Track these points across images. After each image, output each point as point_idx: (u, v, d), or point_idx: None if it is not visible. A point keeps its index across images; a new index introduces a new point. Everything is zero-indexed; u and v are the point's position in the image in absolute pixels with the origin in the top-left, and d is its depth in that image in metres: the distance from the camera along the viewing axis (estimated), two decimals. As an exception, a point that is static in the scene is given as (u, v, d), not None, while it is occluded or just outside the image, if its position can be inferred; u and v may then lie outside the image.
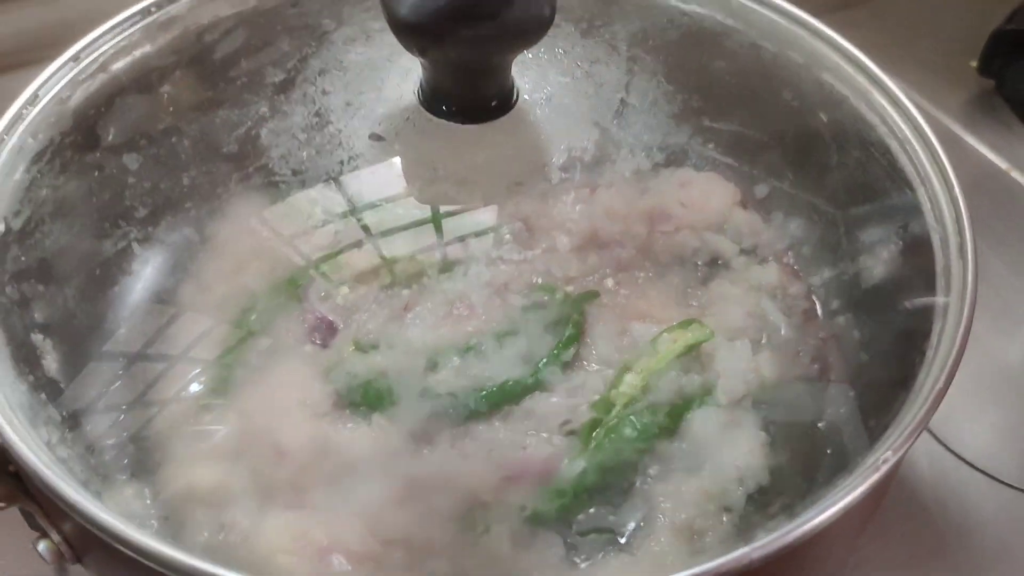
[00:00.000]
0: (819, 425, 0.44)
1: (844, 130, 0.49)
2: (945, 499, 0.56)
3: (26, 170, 0.44)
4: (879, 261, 0.47)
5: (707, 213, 0.49)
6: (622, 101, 0.50)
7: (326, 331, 0.45)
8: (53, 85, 0.47)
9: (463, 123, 0.43)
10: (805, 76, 0.51)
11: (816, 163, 0.50)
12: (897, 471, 0.41)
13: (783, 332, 0.46)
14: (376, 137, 0.47)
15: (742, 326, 0.46)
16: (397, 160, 0.47)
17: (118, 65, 0.48)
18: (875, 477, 0.36)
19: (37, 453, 0.35)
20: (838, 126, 0.49)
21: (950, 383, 0.39)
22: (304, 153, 0.47)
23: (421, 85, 0.43)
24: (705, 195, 0.49)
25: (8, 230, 0.42)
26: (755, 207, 0.49)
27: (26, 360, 0.40)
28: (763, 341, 0.46)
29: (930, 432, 0.58)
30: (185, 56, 0.49)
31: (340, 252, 0.46)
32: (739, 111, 0.51)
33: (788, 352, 0.46)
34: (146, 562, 0.33)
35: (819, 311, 0.47)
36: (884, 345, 0.45)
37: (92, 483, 0.38)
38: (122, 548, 0.33)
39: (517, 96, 0.44)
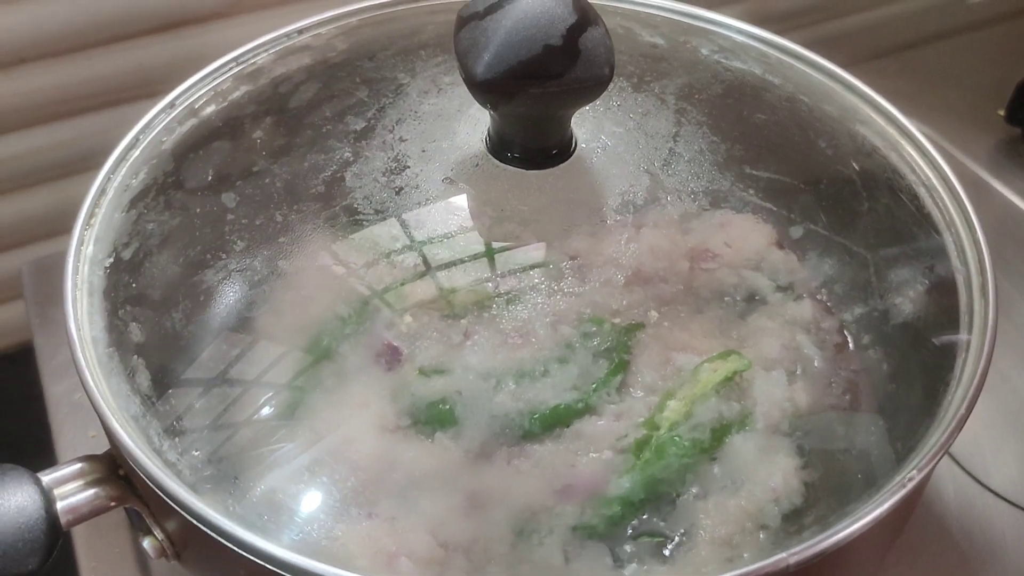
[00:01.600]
0: (850, 450, 0.46)
1: (875, 177, 0.52)
2: (970, 527, 0.58)
3: (131, 206, 0.48)
4: (907, 299, 0.49)
5: (746, 252, 0.51)
6: (670, 150, 0.52)
7: (392, 356, 0.47)
8: (151, 130, 0.51)
9: (527, 169, 0.46)
10: (839, 127, 0.54)
11: (848, 208, 0.52)
12: (923, 491, 0.44)
13: (816, 364, 0.48)
14: (449, 180, 0.49)
15: (778, 358, 0.48)
16: (466, 201, 0.50)
17: (209, 111, 0.52)
18: (901, 494, 0.39)
19: (150, 456, 0.39)
20: (869, 174, 0.52)
21: (971, 410, 0.42)
22: (383, 194, 0.49)
23: (489, 134, 0.46)
24: (744, 235, 0.51)
25: (119, 260, 0.46)
26: (791, 247, 0.51)
27: (135, 376, 0.44)
28: (798, 372, 0.48)
29: (957, 462, 0.60)
30: (270, 104, 0.53)
31: (409, 284, 0.49)
32: (777, 159, 0.53)
33: (821, 382, 0.48)
34: (245, 554, 0.37)
35: (850, 345, 0.49)
36: (911, 377, 0.47)
37: (196, 487, 0.42)
38: (223, 540, 0.37)
39: (575, 145, 0.47)
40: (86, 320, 0.43)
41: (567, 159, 0.46)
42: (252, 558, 0.37)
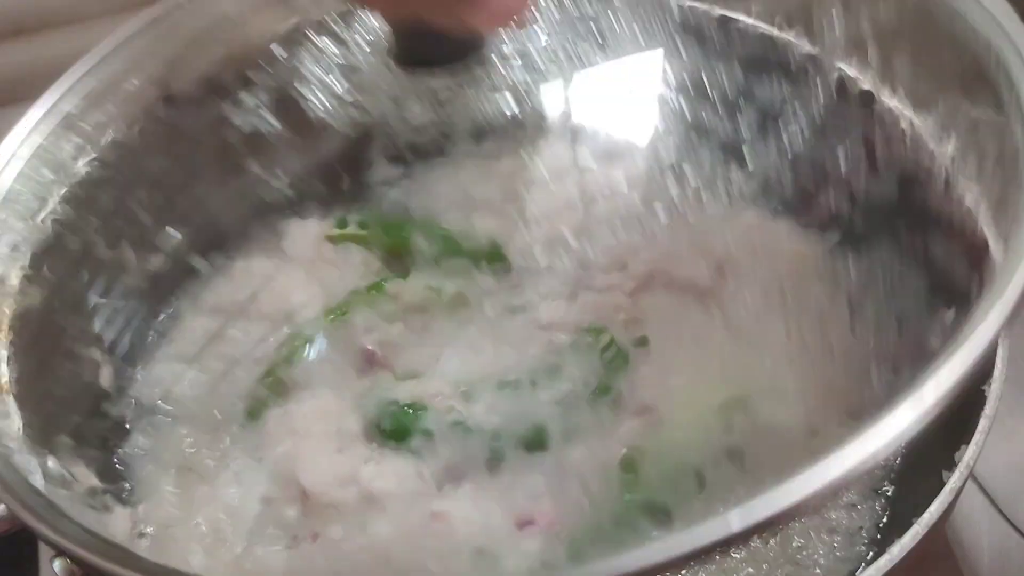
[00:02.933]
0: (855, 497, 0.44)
1: (920, 189, 0.45)
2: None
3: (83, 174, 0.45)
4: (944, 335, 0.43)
5: (771, 262, 0.47)
6: (691, 138, 0.48)
7: (366, 361, 0.45)
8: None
9: (427, 67, 0.41)
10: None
11: (893, 217, 0.46)
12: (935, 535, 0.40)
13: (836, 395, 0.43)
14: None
15: (790, 384, 0.43)
16: (443, 194, 0.47)
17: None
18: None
19: (23, 491, 0.35)
20: (916, 183, 0.45)
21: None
22: (353, 185, 0.49)
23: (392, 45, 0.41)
24: (770, 244, 0.47)
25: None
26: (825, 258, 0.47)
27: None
28: (811, 401, 0.43)
29: (1002, 513, 0.55)
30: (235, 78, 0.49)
31: (387, 283, 0.47)
32: (814, 158, 0.48)
33: (839, 414, 0.43)
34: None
35: (878, 375, 0.43)
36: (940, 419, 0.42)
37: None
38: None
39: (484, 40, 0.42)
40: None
41: (475, 51, 0.41)
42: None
